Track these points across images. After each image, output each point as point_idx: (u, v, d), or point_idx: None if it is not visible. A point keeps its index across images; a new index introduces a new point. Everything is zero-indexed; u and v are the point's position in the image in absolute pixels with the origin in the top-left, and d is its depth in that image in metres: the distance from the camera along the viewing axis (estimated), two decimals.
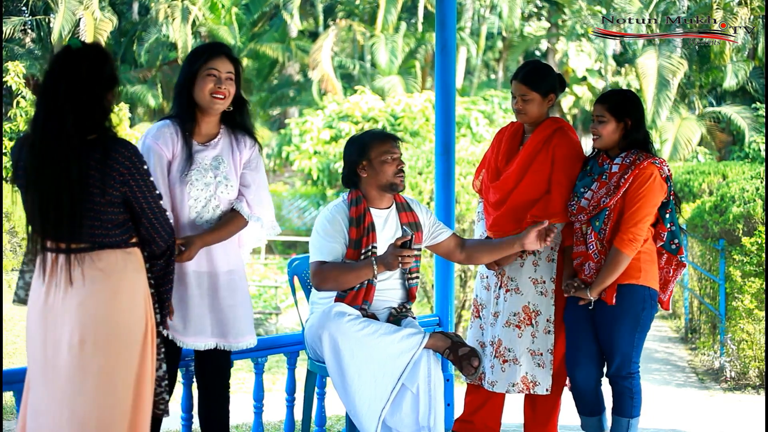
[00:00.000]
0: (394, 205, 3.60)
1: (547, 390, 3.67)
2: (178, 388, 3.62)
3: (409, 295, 3.60)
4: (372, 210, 3.51)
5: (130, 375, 2.63)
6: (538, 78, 3.66)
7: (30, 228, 2.67)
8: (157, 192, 2.69)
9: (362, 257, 3.42)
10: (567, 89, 26.53)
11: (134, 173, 2.61)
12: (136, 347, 2.63)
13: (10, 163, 2.53)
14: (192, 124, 3.05)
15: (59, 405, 2.61)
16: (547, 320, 3.68)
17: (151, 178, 2.67)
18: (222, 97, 3.04)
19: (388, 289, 3.54)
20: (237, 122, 3.16)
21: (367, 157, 3.46)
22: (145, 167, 2.65)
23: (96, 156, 2.56)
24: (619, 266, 3.43)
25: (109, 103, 2.67)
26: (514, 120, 3.84)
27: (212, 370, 3.21)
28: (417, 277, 3.59)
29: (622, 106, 3.53)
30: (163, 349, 2.80)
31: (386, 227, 3.53)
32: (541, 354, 3.66)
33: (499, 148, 3.80)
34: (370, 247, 3.44)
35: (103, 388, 2.59)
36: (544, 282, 3.68)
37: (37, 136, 2.59)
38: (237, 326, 3.16)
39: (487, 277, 3.80)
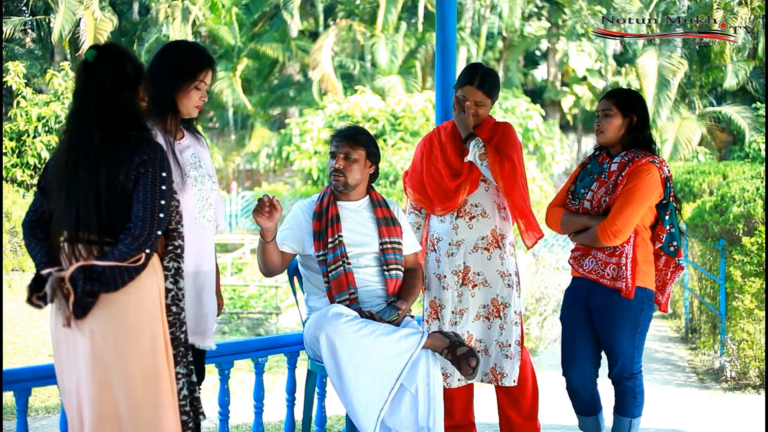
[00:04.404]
0: (368, 199, 3.68)
1: (514, 381, 3.71)
2: None
3: (387, 287, 3.58)
4: (340, 203, 3.62)
5: (147, 371, 2.62)
6: (493, 86, 3.73)
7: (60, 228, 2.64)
8: (162, 203, 2.60)
9: (329, 246, 3.51)
10: (567, 89, 26.65)
11: (151, 170, 2.58)
12: (146, 345, 2.63)
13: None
14: (174, 126, 3.02)
15: (80, 392, 2.64)
16: (515, 312, 3.73)
17: (163, 188, 2.60)
18: (201, 106, 3.06)
19: (366, 277, 3.56)
20: (190, 120, 3.12)
21: (329, 151, 3.65)
22: (164, 175, 2.60)
23: (124, 149, 2.57)
24: (593, 244, 3.50)
25: (142, 99, 2.68)
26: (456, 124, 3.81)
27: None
28: (396, 269, 3.60)
29: (629, 101, 3.55)
30: (188, 355, 2.77)
31: (356, 218, 3.62)
32: (509, 345, 3.71)
33: (445, 152, 3.79)
34: (336, 236, 3.52)
35: (117, 380, 2.60)
36: (510, 275, 3.75)
37: (70, 156, 2.60)
38: (209, 326, 3.12)
39: (445, 276, 3.79)
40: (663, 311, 3.66)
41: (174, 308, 2.76)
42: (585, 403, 3.67)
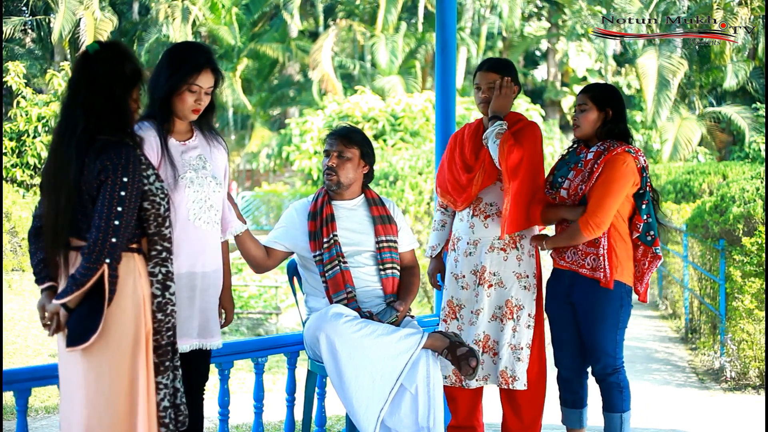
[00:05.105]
0: (363, 198, 3.69)
1: (524, 385, 3.68)
2: None
3: (384, 287, 3.59)
4: (335, 202, 3.63)
5: (121, 378, 2.60)
6: (503, 66, 3.73)
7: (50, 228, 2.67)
8: (120, 209, 2.56)
9: (325, 246, 3.52)
10: (567, 89, 26.64)
11: (111, 177, 2.55)
12: (125, 351, 2.60)
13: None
14: (170, 125, 3.03)
15: (62, 397, 2.66)
16: (529, 315, 3.70)
17: (123, 194, 2.56)
18: (199, 109, 3.03)
19: (363, 276, 3.57)
20: (202, 120, 3.11)
21: (324, 150, 3.66)
22: (125, 180, 2.57)
23: (91, 155, 2.57)
24: (575, 241, 3.53)
25: (135, 101, 2.69)
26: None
27: (194, 373, 3.10)
28: (393, 268, 3.60)
29: (604, 96, 3.62)
30: (174, 361, 2.75)
31: (352, 217, 3.62)
32: (521, 348, 3.68)
33: (464, 148, 3.78)
34: (331, 236, 3.53)
35: (93, 388, 2.59)
36: (527, 276, 3.71)
37: (53, 143, 2.64)
38: (214, 326, 3.12)
39: (464, 276, 3.77)
40: (642, 301, 3.71)
41: (159, 315, 2.70)
42: (574, 394, 3.70)
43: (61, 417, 2.70)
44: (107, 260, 2.54)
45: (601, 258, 3.50)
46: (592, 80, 26.21)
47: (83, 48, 2.70)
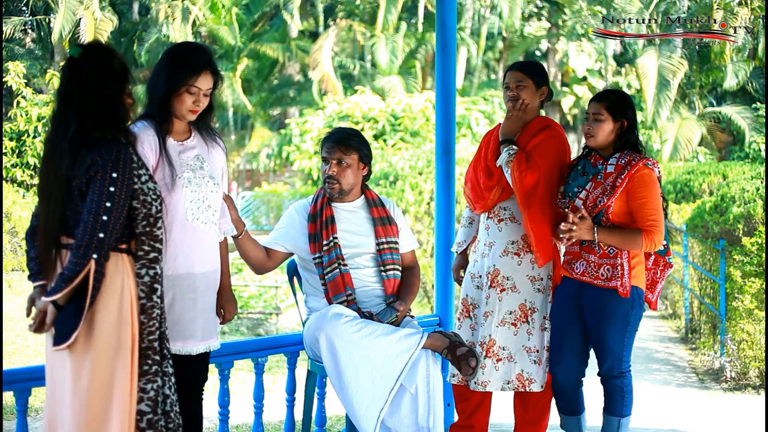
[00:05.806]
0: (363, 200, 3.67)
1: (541, 387, 3.67)
2: None
3: (385, 288, 3.59)
4: (335, 204, 3.61)
5: (100, 379, 2.57)
6: (533, 67, 3.75)
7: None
8: (108, 205, 2.54)
9: (325, 248, 3.50)
10: (567, 89, 26.65)
11: (101, 172, 2.54)
12: (108, 352, 2.58)
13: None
14: (169, 125, 3.03)
15: (49, 398, 2.67)
16: (543, 317, 3.68)
17: (112, 189, 2.54)
18: (197, 110, 3.03)
19: (364, 278, 3.57)
20: (200, 121, 3.11)
21: (321, 156, 3.64)
22: (114, 176, 2.55)
23: (83, 151, 2.57)
24: (631, 245, 3.41)
25: (128, 95, 2.69)
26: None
27: (194, 374, 3.10)
28: (394, 269, 3.60)
29: (620, 105, 3.53)
30: (162, 366, 2.71)
31: (352, 219, 3.61)
32: (537, 351, 3.67)
33: (488, 148, 3.78)
34: (331, 239, 3.52)
35: (75, 387, 2.58)
36: (542, 279, 3.69)
37: (45, 148, 2.64)
38: (213, 326, 3.12)
39: (480, 276, 3.77)
40: (653, 309, 3.69)
41: (143, 317, 2.66)
42: (569, 402, 3.66)
43: (46, 419, 2.67)
44: (94, 255, 2.51)
45: (620, 267, 3.45)
46: (592, 80, 26.23)
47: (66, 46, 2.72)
